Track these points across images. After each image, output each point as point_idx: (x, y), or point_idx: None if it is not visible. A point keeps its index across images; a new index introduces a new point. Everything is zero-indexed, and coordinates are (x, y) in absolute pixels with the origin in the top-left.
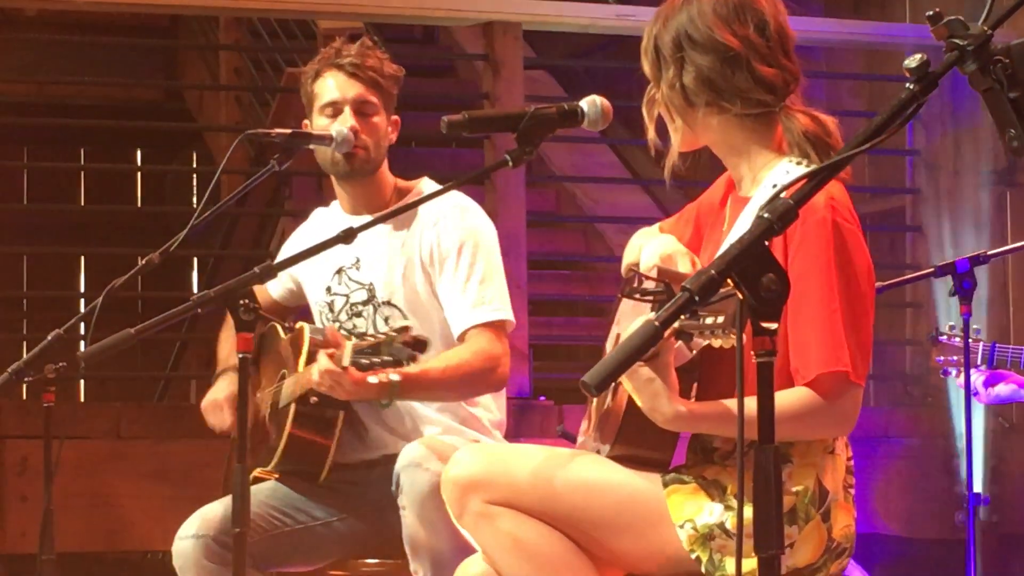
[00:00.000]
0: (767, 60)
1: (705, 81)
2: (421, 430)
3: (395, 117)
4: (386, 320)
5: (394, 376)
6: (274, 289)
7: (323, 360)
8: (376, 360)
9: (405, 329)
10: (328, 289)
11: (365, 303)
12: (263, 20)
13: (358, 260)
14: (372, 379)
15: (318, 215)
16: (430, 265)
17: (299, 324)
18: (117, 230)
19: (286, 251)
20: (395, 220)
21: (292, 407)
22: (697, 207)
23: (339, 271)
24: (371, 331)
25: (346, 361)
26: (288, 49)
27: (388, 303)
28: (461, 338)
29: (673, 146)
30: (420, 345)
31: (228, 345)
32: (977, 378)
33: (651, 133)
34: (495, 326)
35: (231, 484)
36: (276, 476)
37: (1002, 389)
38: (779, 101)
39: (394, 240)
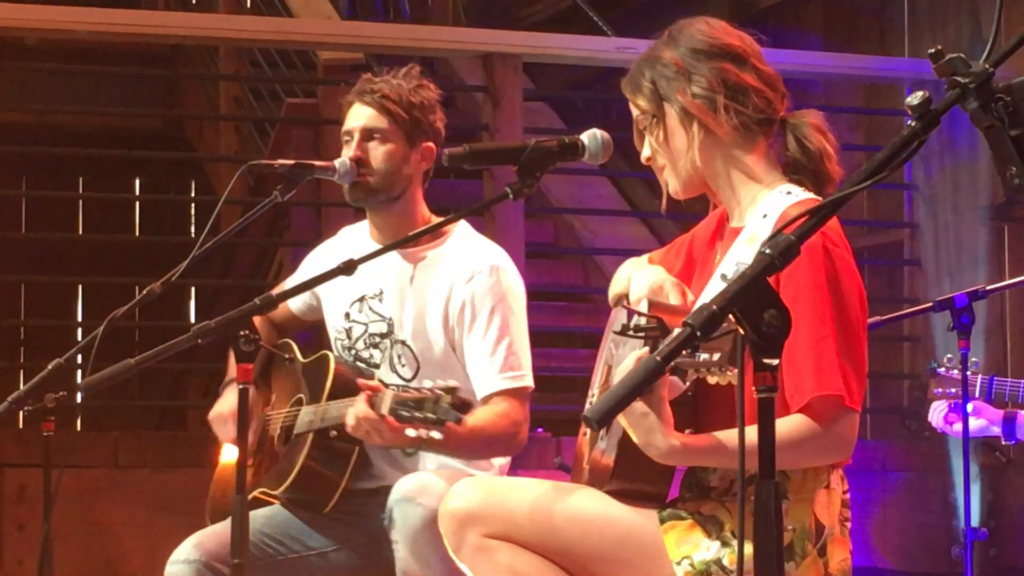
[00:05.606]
0: (763, 61)
1: (720, 81)
2: (426, 467)
3: (428, 144)
4: (399, 358)
5: (435, 435)
6: (294, 302)
7: (361, 406)
8: (419, 415)
9: (454, 389)
10: (347, 315)
11: (383, 336)
12: (263, 50)
13: (381, 292)
14: (411, 432)
15: (344, 233)
16: (457, 320)
17: (323, 352)
18: (115, 259)
19: (308, 265)
20: (426, 264)
21: (310, 438)
22: (691, 238)
23: (361, 299)
24: (386, 364)
25: (384, 409)
26: (288, 80)
27: (403, 343)
28: (484, 400)
29: (668, 190)
30: (466, 408)
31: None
32: (947, 412)
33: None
34: (520, 392)
35: (219, 513)
36: (279, 501)
37: (972, 423)
38: (778, 108)
39: (421, 283)
